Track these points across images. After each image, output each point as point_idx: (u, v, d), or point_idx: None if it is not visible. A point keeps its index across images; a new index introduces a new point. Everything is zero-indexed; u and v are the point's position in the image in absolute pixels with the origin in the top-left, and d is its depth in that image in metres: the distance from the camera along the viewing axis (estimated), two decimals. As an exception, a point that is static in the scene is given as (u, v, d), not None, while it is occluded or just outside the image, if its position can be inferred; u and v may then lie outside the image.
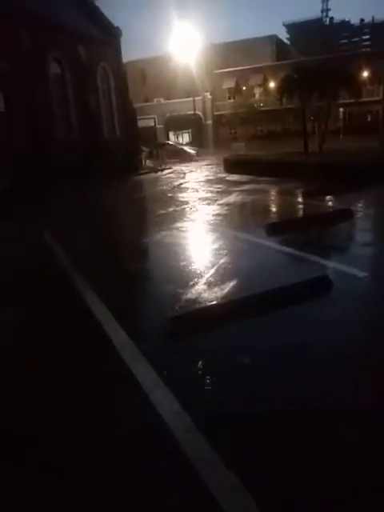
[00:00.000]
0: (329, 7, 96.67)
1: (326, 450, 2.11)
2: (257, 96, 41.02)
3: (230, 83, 41.69)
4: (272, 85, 36.94)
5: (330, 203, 9.48)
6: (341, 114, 30.32)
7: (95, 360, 3.26)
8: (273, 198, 11.35)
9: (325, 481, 1.91)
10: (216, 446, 2.13)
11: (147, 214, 10.79)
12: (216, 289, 4.39)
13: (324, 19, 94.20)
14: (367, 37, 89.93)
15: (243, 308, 3.76)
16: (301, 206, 9.85)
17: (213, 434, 2.22)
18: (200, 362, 3.01)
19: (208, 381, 2.79)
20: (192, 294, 4.31)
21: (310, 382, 2.72)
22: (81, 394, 2.81)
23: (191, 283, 4.62)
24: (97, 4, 25.55)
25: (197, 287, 4.49)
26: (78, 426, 2.46)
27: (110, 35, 24.59)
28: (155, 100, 43.47)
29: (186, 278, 4.79)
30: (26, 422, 2.52)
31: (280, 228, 6.83)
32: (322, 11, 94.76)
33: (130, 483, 2.00)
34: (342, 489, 1.88)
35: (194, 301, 4.12)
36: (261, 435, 2.25)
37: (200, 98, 40.68)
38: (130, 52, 45.95)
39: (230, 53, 41.74)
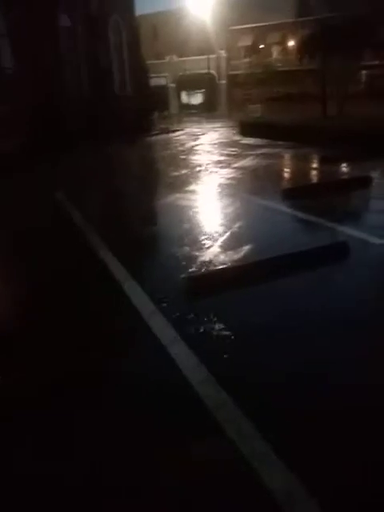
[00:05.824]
0: None
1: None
2: (274, 55, 39.15)
3: (246, 41, 39.67)
4: (291, 43, 35.20)
5: (347, 170, 9.21)
6: (363, 76, 29.00)
7: (116, 314, 3.32)
8: (289, 162, 11.06)
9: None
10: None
11: (160, 176, 10.60)
12: (231, 252, 4.36)
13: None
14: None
15: (260, 271, 3.73)
16: (318, 172, 9.59)
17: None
18: (210, 318, 3.06)
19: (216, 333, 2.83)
20: (207, 256, 4.29)
21: (321, 343, 2.74)
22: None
23: (206, 246, 4.58)
24: None
25: (211, 250, 4.46)
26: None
27: (122, -16, 23.32)
28: (167, 57, 41.74)
29: (200, 241, 4.75)
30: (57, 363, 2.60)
31: (296, 194, 6.68)
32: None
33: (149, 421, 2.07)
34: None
35: (209, 263, 4.10)
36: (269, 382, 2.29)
37: (214, 56, 39.01)
38: (141, 5, 43.12)
39: (248, 8, 39.41)
